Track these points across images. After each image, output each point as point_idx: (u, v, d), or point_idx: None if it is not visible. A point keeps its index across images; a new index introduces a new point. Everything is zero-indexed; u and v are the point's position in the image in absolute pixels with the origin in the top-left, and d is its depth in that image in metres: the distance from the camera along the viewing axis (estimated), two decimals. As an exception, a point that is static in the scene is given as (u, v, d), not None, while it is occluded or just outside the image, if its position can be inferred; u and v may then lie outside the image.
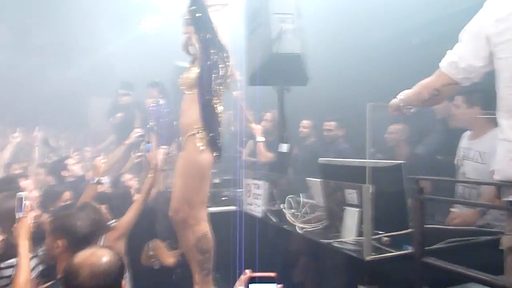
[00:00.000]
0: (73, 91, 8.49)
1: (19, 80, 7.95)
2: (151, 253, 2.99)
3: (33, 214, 2.27)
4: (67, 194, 3.21)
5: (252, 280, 1.14)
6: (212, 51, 2.50)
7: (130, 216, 2.83)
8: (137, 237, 3.03)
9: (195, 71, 2.59)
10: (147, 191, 2.97)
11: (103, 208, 2.90)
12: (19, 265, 2.03)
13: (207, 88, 2.51)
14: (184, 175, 2.63)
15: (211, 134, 2.54)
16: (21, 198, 2.21)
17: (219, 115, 2.59)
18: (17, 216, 2.17)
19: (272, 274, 1.14)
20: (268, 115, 4.56)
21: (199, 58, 2.55)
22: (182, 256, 3.04)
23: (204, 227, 2.64)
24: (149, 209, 3.16)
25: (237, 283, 1.18)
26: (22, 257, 2.05)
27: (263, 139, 4.53)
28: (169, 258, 2.97)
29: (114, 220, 2.97)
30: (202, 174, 2.57)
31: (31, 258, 2.19)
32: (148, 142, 3.59)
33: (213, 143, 2.57)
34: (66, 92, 8.29)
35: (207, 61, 2.50)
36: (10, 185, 2.91)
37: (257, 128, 4.61)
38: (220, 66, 2.53)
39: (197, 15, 2.56)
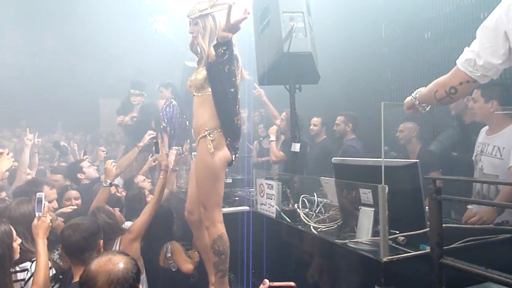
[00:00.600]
0: (84, 92, 8.59)
1: (31, 83, 8.06)
2: (169, 255, 3.02)
3: (50, 216, 2.31)
4: (73, 193, 3.25)
5: None
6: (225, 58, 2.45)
7: (144, 218, 2.87)
8: (155, 238, 3.06)
9: (203, 73, 2.57)
10: (159, 193, 3.00)
11: (117, 211, 2.93)
12: (38, 264, 2.10)
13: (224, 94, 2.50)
14: (197, 177, 2.63)
15: (229, 139, 2.55)
16: (41, 198, 2.27)
17: (238, 118, 2.57)
18: (36, 215, 2.24)
19: (291, 284, 1.13)
20: (283, 114, 4.56)
21: (213, 65, 2.50)
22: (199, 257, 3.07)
23: (220, 229, 2.62)
24: (165, 210, 3.19)
25: None
26: (41, 255, 2.13)
27: (274, 138, 4.54)
28: (187, 264, 2.98)
29: (128, 222, 3.00)
30: (215, 176, 2.55)
31: None
32: (157, 142, 3.60)
33: (232, 146, 2.57)
34: (78, 93, 8.38)
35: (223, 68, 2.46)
36: (37, 188, 3.01)
37: (271, 128, 4.63)
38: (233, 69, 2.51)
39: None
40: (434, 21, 4.18)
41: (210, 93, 2.55)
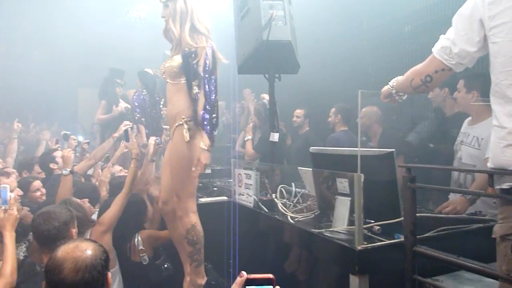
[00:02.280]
0: (62, 82, 8.35)
1: (7, 71, 7.78)
2: (140, 247, 2.95)
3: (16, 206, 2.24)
4: (37, 183, 3.15)
5: (249, 282, 1.10)
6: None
7: (115, 209, 2.79)
8: (126, 228, 2.98)
9: (178, 60, 2.53)
10: (130, 183, 2.92)
11: (86, 201, 2.84)
12: (6, 256, 2.05)
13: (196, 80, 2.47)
14: (172, 166, 2.59)
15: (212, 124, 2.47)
16: (6, 189, 2.19)
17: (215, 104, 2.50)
18: (2, 208, 2.16)
19: (270, 276, 1.10)
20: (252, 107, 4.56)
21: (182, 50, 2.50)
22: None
23: (193, 219, 2.61)
24: (137, 199, 3.11)
25: (233, 286, 1.13)
26: (8, 248, 2.08)
27: (250, 137, 4.54)
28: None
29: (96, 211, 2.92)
30: (190, 165, 2.50)
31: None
32: (126, 130, 3.53)
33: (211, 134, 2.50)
34: (55, 83, 8.15)
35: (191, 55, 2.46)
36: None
37: (248, 126, 4.63)
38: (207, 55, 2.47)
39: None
40: (415, 15, 4.21)
41: (184, 81, 2.51)
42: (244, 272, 1.12)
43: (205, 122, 2.45)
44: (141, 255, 2.93)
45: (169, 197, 2.73)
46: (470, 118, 2.81)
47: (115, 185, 3.31)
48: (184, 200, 2.57)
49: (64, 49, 8.02)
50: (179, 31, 2.52)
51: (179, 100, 2.54)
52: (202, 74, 2.45)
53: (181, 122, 2.50)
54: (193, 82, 2.48)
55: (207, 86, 2.45)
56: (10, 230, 2.13)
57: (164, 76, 2.65)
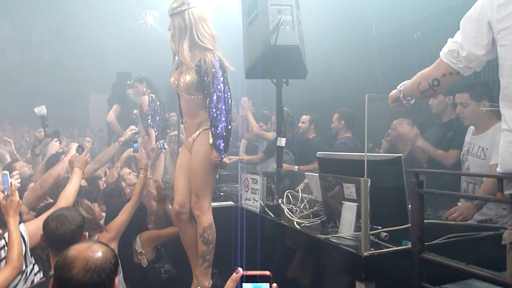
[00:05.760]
0: (74, 87, 8.48)
1: (18, 77, 7.92)
2: (140, 250, 2.95)
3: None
4: None
5: (246, 278, 1.09)
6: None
7: (123, 217, 2.79)
8: (128, 235, 2.97)
9: (192, 77, 2.63)
10: (140, 192, 2.94)
11: (96, 206, 2.86)
12: (11, 241, 2.11)
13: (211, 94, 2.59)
14: (196, 167, 2.69)
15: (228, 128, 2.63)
16: (6, 175, 2.23)
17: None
18: (4, 194, 2.22)
19: (267, 273, 1.08)
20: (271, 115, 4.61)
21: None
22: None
23: (210, 217, 2.72)
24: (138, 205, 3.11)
25: (229, 282, 1.12)
26: (13, 233, 2.14)
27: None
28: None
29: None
30: (213, 165, 2.66)
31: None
32: (135, 142, 3.57)
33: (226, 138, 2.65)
34: (67, 88, 8.27)
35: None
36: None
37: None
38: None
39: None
40: (424, 21, 4.19)
41: (202, 96, 2.65)
42: (240, 269, 1.11)
43: (219, 142, 2.60)
44: (140, 257, 2.93)
45: (185, 200, 2.78)
46: (473, 127, 2.78)
47: (107, 193, 3.33)
48: (202, 198, 2.67)
49: (75, 54, 8.15)
50: (179, 48, 2.63)
51: (199, 112, 2.70)
52: (214, 90, 2.58)
53: (206, 127, 2.65)
54: (208, 98, 2.62)
55: (222, 102, 2.59)
56: (13, 216, 2.18)
57: (177, 90, 2.79)
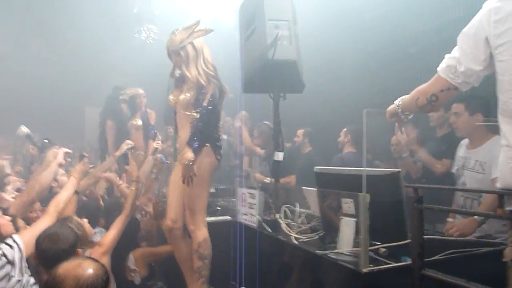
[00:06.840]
0: (70, 101, 8.46)
1: (18, 90, 7.90)
2: (133, 267, 2.90)
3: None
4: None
5: None
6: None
7: (114, 232, 2.75)
8: (120, 249, 2.92)
9: (191, 95, 2.70)
10: (131, 205, 2.90)
11: (86, 222, 2.80)
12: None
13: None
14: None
15: (217, 143, 2.77)
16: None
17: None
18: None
19: None
20: (254, 131, 4.64)
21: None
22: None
23: (205, 232, 2.73)
24: (130, 219, 3.06)
25: None
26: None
27: None
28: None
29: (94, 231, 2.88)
30: (206, 179, 2.71)
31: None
32: (126, 154, 3.56)
33: (218, 151, 2.77)
34: (63, 102, 8.25)
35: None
36: None
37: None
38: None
39: None
40: (421, 36, 4.22)
41: (195, 113, 2.70)
42: None
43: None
44: (132, 274, 2.88)
45: (177, 215, 2.79)
46: (467, 141, 2.77)
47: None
48: (197, 213, 2.70)
49: (73, 68, 8.16)
50: (195, 73, 2.68)
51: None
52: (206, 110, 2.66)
53: (207, 145, 2.69)
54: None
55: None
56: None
57: (175, 107, 2.85)
